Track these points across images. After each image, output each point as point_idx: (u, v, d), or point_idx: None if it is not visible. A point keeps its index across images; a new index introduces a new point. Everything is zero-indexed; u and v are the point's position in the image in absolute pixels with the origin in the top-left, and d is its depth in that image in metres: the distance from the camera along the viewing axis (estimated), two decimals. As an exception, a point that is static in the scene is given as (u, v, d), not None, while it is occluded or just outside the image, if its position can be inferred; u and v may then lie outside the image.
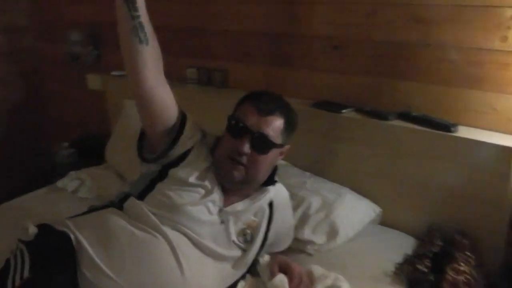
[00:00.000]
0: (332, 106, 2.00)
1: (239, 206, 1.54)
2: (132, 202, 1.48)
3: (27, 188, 2.18)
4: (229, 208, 1.51)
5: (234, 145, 1.45)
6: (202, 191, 1.49)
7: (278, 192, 1.65)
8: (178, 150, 1.51)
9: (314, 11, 2.07)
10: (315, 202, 1.81)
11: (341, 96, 2.05)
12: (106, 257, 1.31)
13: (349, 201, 1.85)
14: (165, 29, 1.73)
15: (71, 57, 2.90)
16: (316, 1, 2.05)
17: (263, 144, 1.45)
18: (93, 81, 2.82)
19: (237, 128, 1.47)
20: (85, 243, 1.34)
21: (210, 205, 1.47)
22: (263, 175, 1.54)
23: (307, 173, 2.01)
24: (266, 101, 1.50)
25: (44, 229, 1.42)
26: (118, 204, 1.50)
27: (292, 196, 1.80)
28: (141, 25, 1.25)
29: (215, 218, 1.48)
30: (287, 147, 1.56)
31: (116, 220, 1.41)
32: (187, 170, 1.50)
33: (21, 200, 2.13)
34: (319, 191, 1.87)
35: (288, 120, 1.50)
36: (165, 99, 1.43)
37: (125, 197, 1.51)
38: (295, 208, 1.80)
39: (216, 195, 1.49)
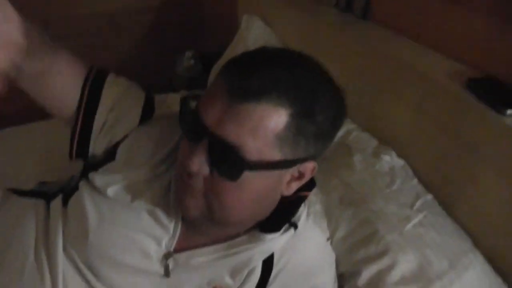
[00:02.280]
0: (497, 94, 1.09)
1: (203, 254, 0.93)
2: (54, 206, 0.99)
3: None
4: (183, 256, 0.92)
5: (184, 156, 0.83)
6: (143, 215, 0.91)
7: (294, 247, 0.97)
8: (100, 144, 0.99)
9: None
10: (404, 264, 1.05)
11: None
12: None
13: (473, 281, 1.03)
14: None
15: None
16: None
17: (224, 160, 0.78)
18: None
19: (189, 124, 0.83)
20: None
21: (148, 242, 0.91)
22: (247, 214, 0.88)
23: (428, 196, 1.20)
24: (252, 68, 0.77)
25: None
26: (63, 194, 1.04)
27: (371, 238, 1.09)
28: None
29: (154, 267, 0.91)
30: (310, 165, 0.85)
31: (24, 230, 0.97)
32: (108, 174, 0.94)
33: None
34: (424, 243, 1.08)
35: (304, 113, 0.77)
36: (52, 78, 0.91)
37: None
38: (366, 261, 1.08)
39: (165, 229, 0.91)
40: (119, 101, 0.97)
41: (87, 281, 0.91)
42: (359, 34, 1.49)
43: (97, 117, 0.96)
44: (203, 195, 0.83)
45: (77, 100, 0.95)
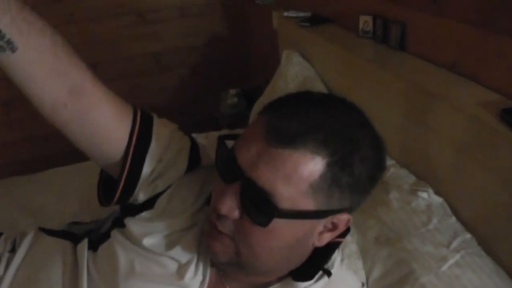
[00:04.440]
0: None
1: None
2: (81, 249, 1.00)
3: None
4: None
5: (215, 198, 0.82)
6: (172, 265, 0.91)
7: None
8: (142, 194, 0.95)
9: None
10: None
11: None
12: None
13: None
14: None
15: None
16: None
17: (255, 204, 0.76)
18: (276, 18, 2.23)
19: (225, 164, 0.81)
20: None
21: None
22: (275, 261, 0.86)
23: (467, 235, 1.14)
24: (293, 112, 0.77)
25: None
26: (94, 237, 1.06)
27: (406, 279, 1.05)
28: None
29: None
30: (343, 217, 0.82)
31: (52, 271, 0.97)
32: (145, 224, 0.94)
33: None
34: (461, 284, 1.02)
35: (341, 162, 0.74)
36: (95, 118, 0.87)
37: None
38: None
39: (195, 276, 0.90)
40: (167, 149, 0.95)
41: None
42: (395, 67, 1.46)
43: (146, 164, 0.92)
44: (232, 239, 0.81)
45: (125, 144, 0.91)
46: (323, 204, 0.77)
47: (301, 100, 0.81)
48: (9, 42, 0.73)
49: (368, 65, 1.56)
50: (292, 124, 0.74)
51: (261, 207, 0.76)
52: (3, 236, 1.11)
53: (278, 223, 0.76)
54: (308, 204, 0.76)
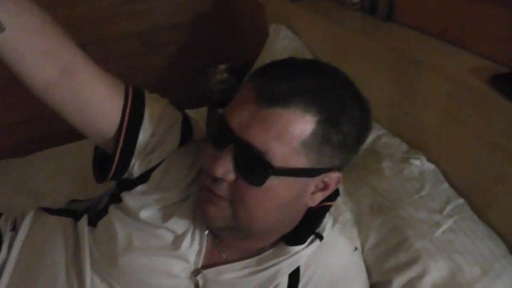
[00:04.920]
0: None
1: (232, 270, 0.93)
2: (81, 226, 1.01)
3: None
4: (211, 272, 0.93)
5: (209, 162, 0.82)
6: (169, 237, 0.92)
7: (319, 258, 0.95)
8: (137, 169, 0.95)
9: None
10: (435, 272, 1.02)
11: None
12: None
13: None
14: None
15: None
16: None
17: (250, 165, 0.78)
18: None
19: (215, 129, 0.82)
20: (8, 271, 0.98)
21: (176, 263, 0.92)
22: (270, 222, 0.87)
23: (459, 201, 1.16)
24: (280, 73, 0.78)
25: None
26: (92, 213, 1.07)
27: (401, 246, 1.08)
28: None
29: (183, 283, 0.92)
30: (334, 175, 0.84)
31: (55, 249, 0.99)
32: (141, 197, 0.95)
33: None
34: (454, 249, 1.05)
35: (331, 121, 0.77)
36: (88, 96, 0.87)
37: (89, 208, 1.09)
38: (396, 270, 1.06)
39: (192, 246, 0.92)
40: (159, 123, 0.95)
41: None
42: (384, 37, 1.47)
43: (140, 139, 0.93)
44: (228, 202, 0.83)
45: (118, 120, 0.91)
46: (315, 162, 0.79)
47: (288, 65, 0.82)
48: None
49: (356, 36, 1.56)
50: (282, 84, 0.76)
51: (255, 167, 0.77)
52: (2, 217, 1.11)
53: (273, 182, 0.77)
54: (300, 162, 0.77)
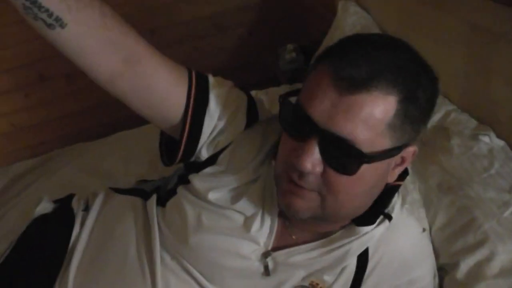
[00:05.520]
0: None
1: (301, 252, 0.94)
2: (150, 205, 1.05)
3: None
4: (281, 254, 0.93)
5: (291, 155, 0.81)
6: (239, 218, 0.94)
7: (388, 239, 0.95)
8: (204, 152, 0.99)
9: None
10: (504, 255, 0.99)
11: None
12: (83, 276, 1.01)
13: None
14: None
15: None
16: None
17: (340, 155, 0.77)
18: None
19: (293, 121, 0.82)
20: (80, 247, 1.04)
21: (247, 245, 0.93)
22: (356, 206, 0.89)
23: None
24: (356, 56, 0.76)
25: (59, 208, 1.16)
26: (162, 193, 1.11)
27: (469, 227, 1.06)
28: (34, 2, 0.72)
29: (253, 265, 0.94)
30: (411, 149, 0.84)
31: (125, 227, 1.04)
32: (209, 179, 0.97)
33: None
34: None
35: (410, 97, 0.77)
36: (152, 84, 0.89)
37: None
38: (464, 252, 1.04)
39: (262, 228, 0.93)
40: (225, 107, 0.96)
41: (192, 279, 0.96)
42: (451, 6, 1.39)
43: (205, 124, 0.95)
44: (317, 193, 0.83)
45: (183, 106, 0.93)
46: (398, 140, 0.79)
47: (360, 44, 0.81)
48: (57, 19, 0.75)
49: (423, 8, 1.50)
50: (360, 68, 0.74)
51: (346, 156, 0.77)
52: (75, 197, 1.19)
53: (363, 168, 0.78)
54: (386, 143, 0.78)
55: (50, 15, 0.74)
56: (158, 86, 0.90)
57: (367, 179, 0.82)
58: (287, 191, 0.85)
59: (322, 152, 0.77)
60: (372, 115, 0.74)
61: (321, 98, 0.76)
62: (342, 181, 0.80)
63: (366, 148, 0.76)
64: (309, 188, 0.82)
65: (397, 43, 0.82)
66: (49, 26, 0.75)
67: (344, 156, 0.77)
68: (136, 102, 0.91)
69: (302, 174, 0.80)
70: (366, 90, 0.74)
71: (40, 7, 0.73)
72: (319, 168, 0.79)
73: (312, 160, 0.77)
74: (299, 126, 0.80)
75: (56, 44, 0.79)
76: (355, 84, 0.74)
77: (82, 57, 0.82)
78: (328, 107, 0.75)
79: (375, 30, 1.74)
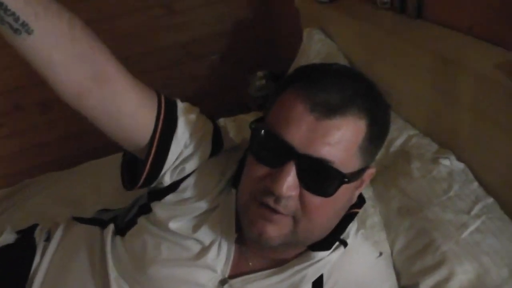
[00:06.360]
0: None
1: (258, 279, 0.93)
2: (106, 234, 1.03)
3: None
4: (238, 281, 0.92)
5: (265, 181, 0.81)
6: (196, 247, 0.93)
7: (342, 265, 0.95)
8: (168, 178, 0.97)
9: None
10: (462, 275, 0.99)
11: None
12: None
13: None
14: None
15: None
16: None
17: (318, 177, 0.80)
18: None
19: (267, 147, 0.82)
20: (39, 277, 1.01)
21: (204, 273, 0.92)
22: (325, 228, 0.90)
23: (488, 200, 1.12)
24: (328, 84, 0.80)
25: (21, 239, 1.13)
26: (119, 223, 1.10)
27: (427, 249, 1.06)
28: (0, 4, 0.70)
29: None
30: (370, 171, 0.89)
31: (81, 257, 1.02)
32: (171, 207, 0.96)
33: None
34: (481, 250, 1.01)
35: (375, 121, 0.83)
36: (121, 104, 0.87)
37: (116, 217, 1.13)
38: (423, 273, 1.03)
39: (219, 256, 0.93)
40: (192, 134, 0.96)
41: None
42: (413, 36, 1.43)
43: (172, 149, 0.94)
44: (291, 218, 0.83)
45: (151, 129, 0.91)
46: (365, 161, 0.85)
47: (325, 72, 0.86)
48: (23, 24, 0.72)
49: (386, 37, 1.53)
50: (333, 95, 0.79)
51: (325, 178, 0.81)
52: (38, 227, 1.16)
53: (340, 189, 0.82)
54: (356, 164, 0.83)
55: (17, 19, 0.71)
56: (127, 107, 0.88)
57: (340, 200, 0.85)
58: (259, 217, 0.84)
59: (300, 176, 0.79)
60: (347, 138, 0.79)
61: (297, 124, 0.78)
62: (317, 203, 0.81)
63: (343, 169, 0.79)
64: (285, 212, 0.82)
65: (355, 72, 0.90)
66: (15, 31, 0.72)
67: (322, 178, 0.81)
68: (103, 121, 0.88)
69: (278, 199, 0.80)
70: (341, 115, 0.78)
71: (6, 9, 0.70)
72: (296, 192, 0.80)
73: (289, 184, 0.79)
74: (274, 152, 0.81)
75: (23, 52, 0.76)
76: (332, 109, 0.78)
77: (49, 69, 0.78)
78: (305, 132, 0.78)
79: (340, 57, 1.76)
